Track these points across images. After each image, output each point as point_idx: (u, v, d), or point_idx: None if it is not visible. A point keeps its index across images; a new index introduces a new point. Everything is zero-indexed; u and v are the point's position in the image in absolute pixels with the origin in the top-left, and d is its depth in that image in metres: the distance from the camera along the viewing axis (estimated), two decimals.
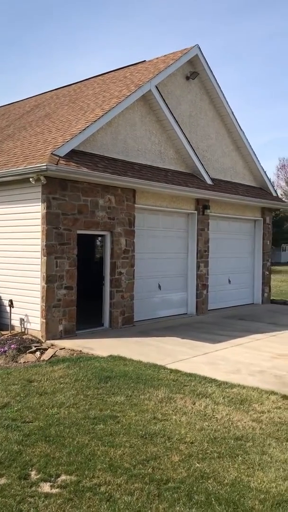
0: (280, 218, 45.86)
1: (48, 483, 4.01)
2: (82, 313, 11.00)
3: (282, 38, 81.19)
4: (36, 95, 17.09)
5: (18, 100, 18.05)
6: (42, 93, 16.91)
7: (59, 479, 4.09)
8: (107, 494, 3.83)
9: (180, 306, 13.00)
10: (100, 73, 15.11)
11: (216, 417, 5.57)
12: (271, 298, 16.70)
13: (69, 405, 5.87)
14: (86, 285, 13.17)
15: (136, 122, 11.38)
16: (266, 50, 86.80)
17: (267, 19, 76.28)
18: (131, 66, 14.16)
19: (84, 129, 9.79)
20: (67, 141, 9.47)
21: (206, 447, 4.75)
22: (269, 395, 6.31)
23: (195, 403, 6.00)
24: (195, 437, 4.98)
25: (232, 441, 4.91)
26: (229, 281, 14.80)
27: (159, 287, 12.31)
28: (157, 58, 13.51)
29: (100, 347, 8.94)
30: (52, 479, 4.08)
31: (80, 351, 8.70)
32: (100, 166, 9.98)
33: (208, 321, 12.27)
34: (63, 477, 4.12)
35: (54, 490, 3.90)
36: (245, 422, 5.43)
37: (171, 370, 7.33)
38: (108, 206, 10.57)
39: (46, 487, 3.95)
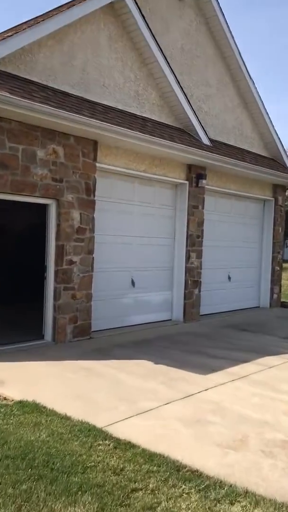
0: None
1: None
2: (17, 320, 7.65)
3: None
4: None
5: None
6: None
7: None
8: None
9: (162, 310, 9.57)
10: None
11: None
12: (281, 300, 13.27)
13: None
14: (24, 280, 9.90)
15: (101, 44, 7.89)
16: None
17: None
18: None
19: (11, 35, 6.32)
20: None
21: None
22: None
23: None
24: None
25: None
26: (229, 277, 11.36)
27: (132, 283, 8.86)
28: None
29: (19, 379, 5.51)
30: None
31: None
32: (38, 97, 6.50)
33: (199, 331, 8.85)
34: None
35: None
36: None
37: (118, 442, 3.89)
38: (53, 161, 7.11)
39: None
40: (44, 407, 4.54)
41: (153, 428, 4.25)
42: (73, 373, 5.78)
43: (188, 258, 9.66)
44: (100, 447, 3.77)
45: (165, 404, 4.89)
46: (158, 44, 8.50)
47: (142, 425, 4.32)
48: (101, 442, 3.85)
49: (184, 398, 5.11)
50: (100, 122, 7.06)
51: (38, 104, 6.21)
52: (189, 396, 5.18)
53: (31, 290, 8.68)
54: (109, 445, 3.82)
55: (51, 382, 5.42)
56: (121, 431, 4.10)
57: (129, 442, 3.87)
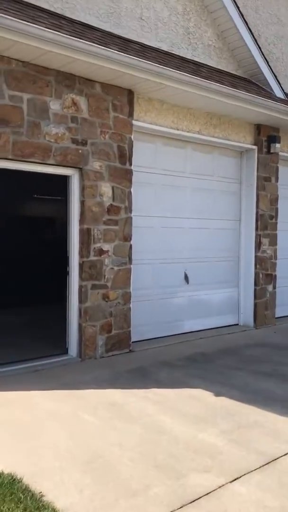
0: None
1: None
2: (39, 329, 5.98)
3: None
4: None
5: None
6: None
7: None
8: None
9: (226, 312, 7.52)
10: None
11: None
12: None
13: None
14: (48, 278, 8.30)
15: None
16: None
17: None
18: None
19: None
20: None
21: None
22: None
23: None
24: None
25: None
26: None
27: (186, 278, 6.89)
28: None
29: (8, 424, 3.76)
30: None
31: None
32: (45, 23, 4.70)
33: (276, 342, 6.72)
34: None
35: None
36: None
37: None
38: (73, 117, 5.29)
39: None
40: (27, 490, 2.72)
41: None
42: (92, 413, 3.94)
43: (258, 245, 7.53)
44: None
45: (231, 481, 2.92)
46: None
47: None
48: None
49: (262, 466, 3.10)
50: (135, 58, 5.13)
51: (41, 28, 4.40)
52: (270, 462, 3.16)
53: (57, 289, 7.00)
54: None
55: (55, 430, 3.61)
56: None
57: None
